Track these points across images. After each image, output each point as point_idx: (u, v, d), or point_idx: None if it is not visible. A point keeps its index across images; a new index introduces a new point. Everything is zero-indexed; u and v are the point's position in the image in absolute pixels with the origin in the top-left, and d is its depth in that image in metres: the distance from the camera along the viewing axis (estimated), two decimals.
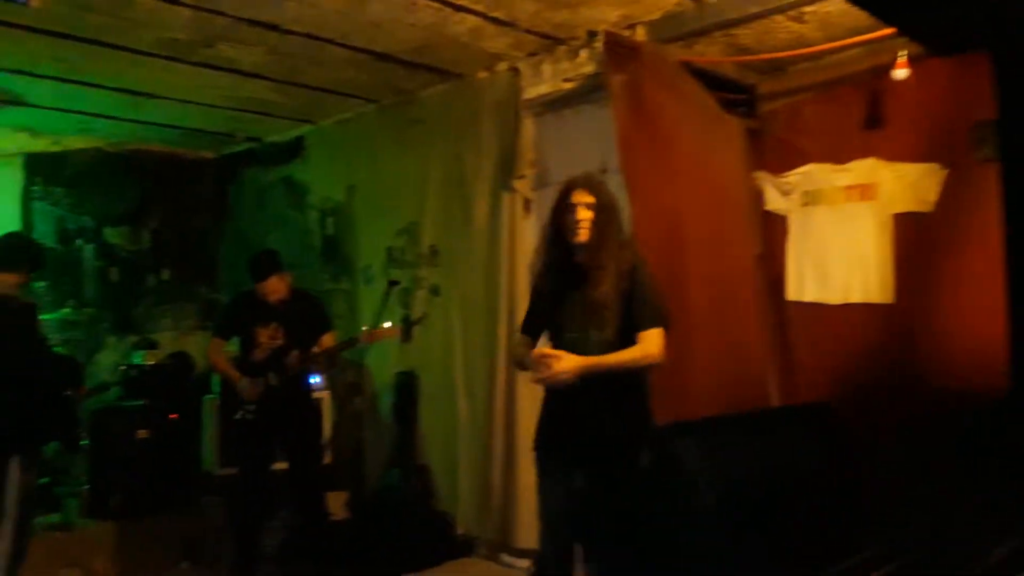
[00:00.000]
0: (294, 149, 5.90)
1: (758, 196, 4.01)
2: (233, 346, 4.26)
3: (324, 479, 4.44)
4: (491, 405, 4.46)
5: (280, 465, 4.20)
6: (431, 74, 4.62)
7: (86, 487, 4.74)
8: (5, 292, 3.59)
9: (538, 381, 2.68)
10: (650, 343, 2.65)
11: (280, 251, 4.34)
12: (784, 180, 3.96)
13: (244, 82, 4.66)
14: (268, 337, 4.13)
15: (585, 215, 2.67)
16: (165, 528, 4.72)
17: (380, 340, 4.08)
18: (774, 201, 4.01)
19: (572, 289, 2.69)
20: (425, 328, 4.64)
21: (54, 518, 4.57)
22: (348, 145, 5.46)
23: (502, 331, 4.42)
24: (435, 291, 4.86)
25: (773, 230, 3.97)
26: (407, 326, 4.34)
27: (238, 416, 4.09)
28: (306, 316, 4.20)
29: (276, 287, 4.11)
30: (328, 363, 4.29)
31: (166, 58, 4.24)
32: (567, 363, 2.57)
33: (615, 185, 3.16)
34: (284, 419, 4.08)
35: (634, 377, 2.67)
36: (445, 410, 4.74)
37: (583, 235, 2.68)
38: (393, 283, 4.33)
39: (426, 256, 4.95)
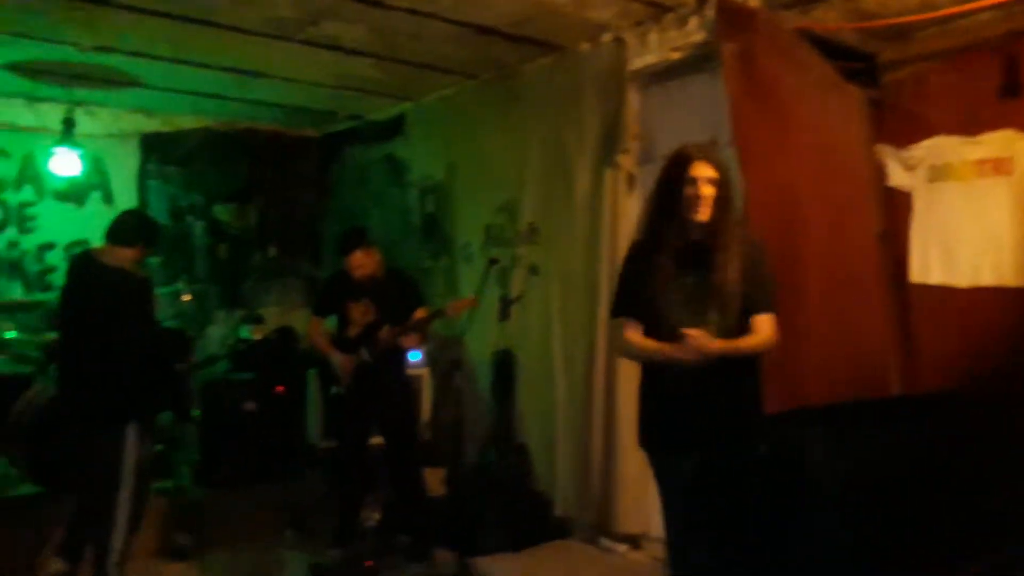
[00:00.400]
0: (395, 127, 5.95)
1: (880, 171, 3.82)
2: (333, 324, 4.33)
3: (421, 455, 4.47)
4: (590, 386, 4.42)
5: (377, 440, 4.24)
6: (532, 47, 4.57)
7: (198, 456, 4.92)
8: (123, 266, 3.69)
9: (674, 360, 2.44)
10: (769, 328, 2.51)
11: (380, 229, 4.46)
12: (908, 154, 3.77)
13: (346, 59, 4.71)
14: (360, 313, 4.16)
15: (708, 191, 2.47)
16: (271, 497, 4.83)
17: (462, 311, 4.09)
18: (897, 176, 3.82)
19: (685, 270, 2.48)
20: (523, 307, 4.65)
21: (168, 484, 4.71)
22: (448, 122, 5.49)
23: (602, 311, 4.36)
24: (534, 270, 4.83)
25: (896, 208, 3.78)
26: (505, 305, 4.33)
27: (333, 392, 4.16)
28: (398, 293, 4.21)
29: (361, 262, 4.12)
30: (419, 337, 4.23)
31: (272, 36, 4.31)
32: (712, 345, 2.38)
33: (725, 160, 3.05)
34: (377, 395, 4.11)
35: (751, 363, 2.52)
36: (543, 389, 4.71)
37: (705, 213, 2.48)
38: (493, 261, 4.28)
39: (525, 234, 4.92)
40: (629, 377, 4.04)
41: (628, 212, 4.34)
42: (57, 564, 3.62)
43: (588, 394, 4.42)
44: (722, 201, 2.49)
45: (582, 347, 4.50)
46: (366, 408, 4.13)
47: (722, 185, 2.50)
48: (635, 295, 2.55)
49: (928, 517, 2.32)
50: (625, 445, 4.25)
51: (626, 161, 4.35)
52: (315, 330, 4.29)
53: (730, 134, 3.29)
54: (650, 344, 2.49)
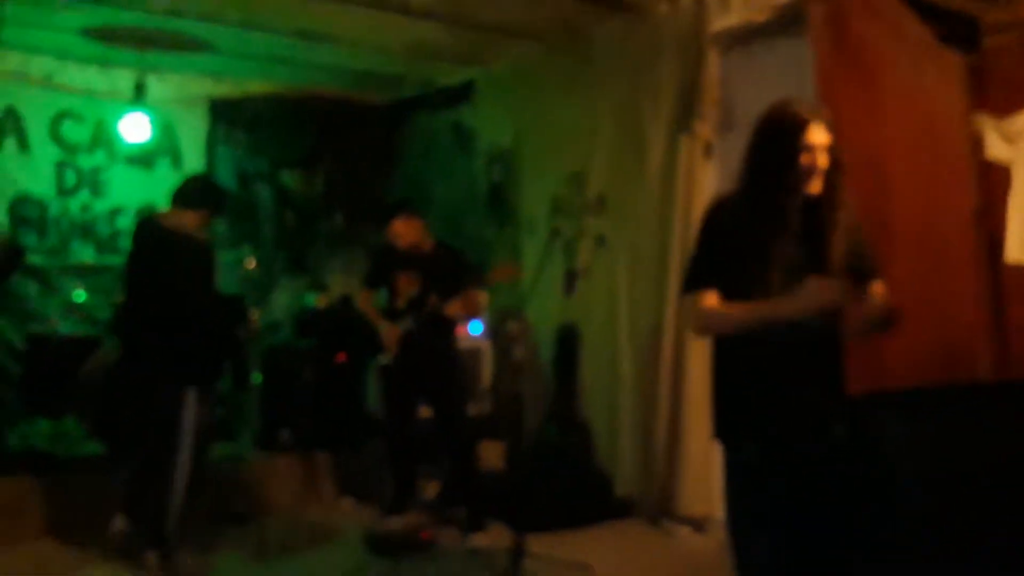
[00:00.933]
0: (463, 93, 5.87)
1: (977, 143, 3.70)
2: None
3: (475, 429, 4.46)
4: (656, 363, 4.38)
5: (426, 412, 4.27)
6: (606, 9, 4.48)
7: (257, 422, 4.97)
8: (188, 231, 3.73)
9: (780, 315, 2.18)
10: (886, 295, 2.27)
11: (444, 199, 4.46)
12: (1009, 125, 3.65)
13: (415, 23, 4.68)
14: (405, 284, 4.17)
15: (824, 161, 2.20)
16: (330, 463, 4.90)
17: (503, 279, 4.09)
18: (996, 148, 3.69)
19: (787, 244, 2.21)
20: (589, 281, 4.65)
21: (227, 449, 4.79)
22: (517, 88, 5.43)
23: (672, 286, 4.30)
24: (601, 242, 4.78)
25: (993, 182, 3.65)
26: (570, 278, 4.36)
27: (381, 362, 4.21)
28: (446, 265, 4.19)
29: (401, 231, 4.10)
30: (467, 307, 4.19)
31: (341, 0, 4.33)
32: (839, 291, 2.10)
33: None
34: (422, 366, 4.12)
35: (839, 340, 2.30)
36: (607, 366, 4.68)
37: (818, 185, 2.21)
38: (556, 232, 4.30)
39: (593, 205, 4.87)
40: (699, 356, 4.07)
41: (704, 183, 4.26)
42: (121, 522, 3.72)
43: (654, 372, 4.38)
44: (834, 172, 2.25)
45: (649, 323, 4.46)
46: (412, 379, 4.15)
47: (833, 151, 2.25)
48: (721, 266, 2.27)
49: (1015, 513, 2.18)
50: (691, 425, 4.23)
51: (703, 129, 4.26)
52: (364, 301, 4.34)
53: (817, 100, 3.17)
54: (747, 307, 2.19)
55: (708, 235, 2.36)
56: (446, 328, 4.18)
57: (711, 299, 2.27)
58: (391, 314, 4.19)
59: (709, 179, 4.24)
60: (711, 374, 2.33)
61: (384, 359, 4.16)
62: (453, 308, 4.07)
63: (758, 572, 2.20)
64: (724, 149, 4.18)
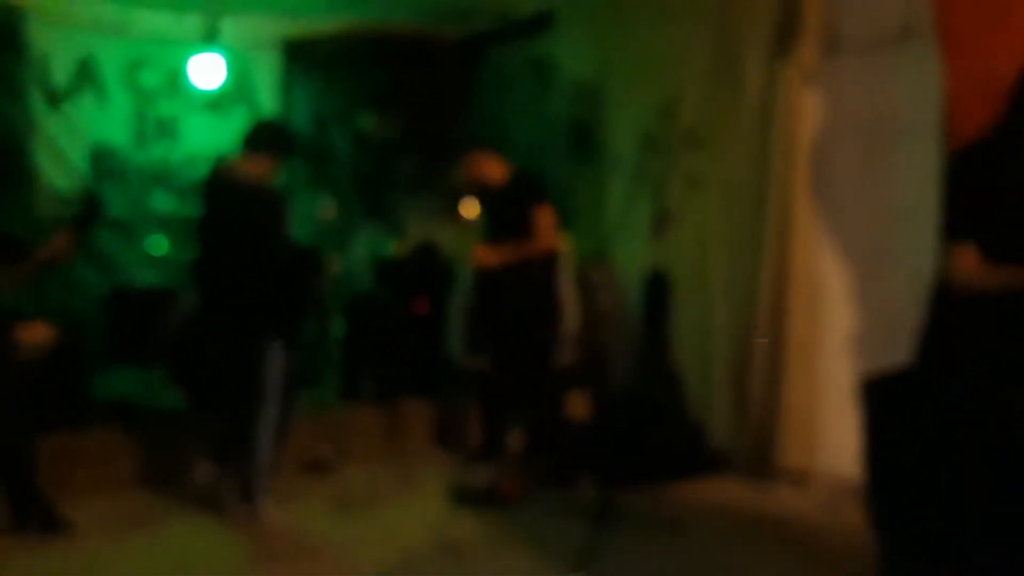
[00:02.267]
0: (543, 23, 5.76)
1: None
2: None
3: (563, 377, 4.47)
4: (753, 311, 4.32)
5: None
6: None
7: (341, 371, 5.05)
8: (257, 180, 3.76)
9: None
10: None
11: (523, 138, 4.50)
12: None
13: None
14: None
15: None
16: (415, 413, 4.95)
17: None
18: None
19: None
20: (679, 223, 4.62)
21: (312, 398, 4.85)
22: (602, 15, 5.30)
23: (771, 228, 4.25)
24: (692, 181, 4.68)
25: None
26: (659, 221, 4.36)
27: (470, 301, 4.34)
28: (517, 195, 4.21)
29: (478, 165, 4.19)
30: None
31: None
32: None
33: (919, 55, 2.64)
34: (505, 308, 4.17)
35: None
36: (699, 315, 4.64)
37: None
38: (643, 171, 4.31)
39: (684, 140, 4.74)
40: (800, 303, 4.15)
41: (806, 114, 4.16)
42: (205, 472, 3.88)
43: (751, 321, 4.32)
44: None
45: (746, 268, 4.40)
46: (497, 323, 4.22)
47: None
48: (981, 217, 2.20)
49: None
50: (792, 376, 4.19)
51: (807, 54, 4.13)
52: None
53: (931, 18, 3.03)
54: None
55: (965, 182, 2.27)
56: (534, 270, 4.18)
57: (970, 254, 2.19)
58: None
59: (812, 110, 4.13)
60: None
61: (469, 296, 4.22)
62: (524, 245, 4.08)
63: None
64: (829, 76, 4.10)
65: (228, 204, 3.71)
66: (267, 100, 5.92)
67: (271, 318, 3.65)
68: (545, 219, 4.11)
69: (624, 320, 5.05)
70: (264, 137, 3.83)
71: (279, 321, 3.70)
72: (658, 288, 4.81)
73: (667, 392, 4.66)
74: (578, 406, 4.67)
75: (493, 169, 4.22)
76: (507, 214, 4.17)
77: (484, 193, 4.22)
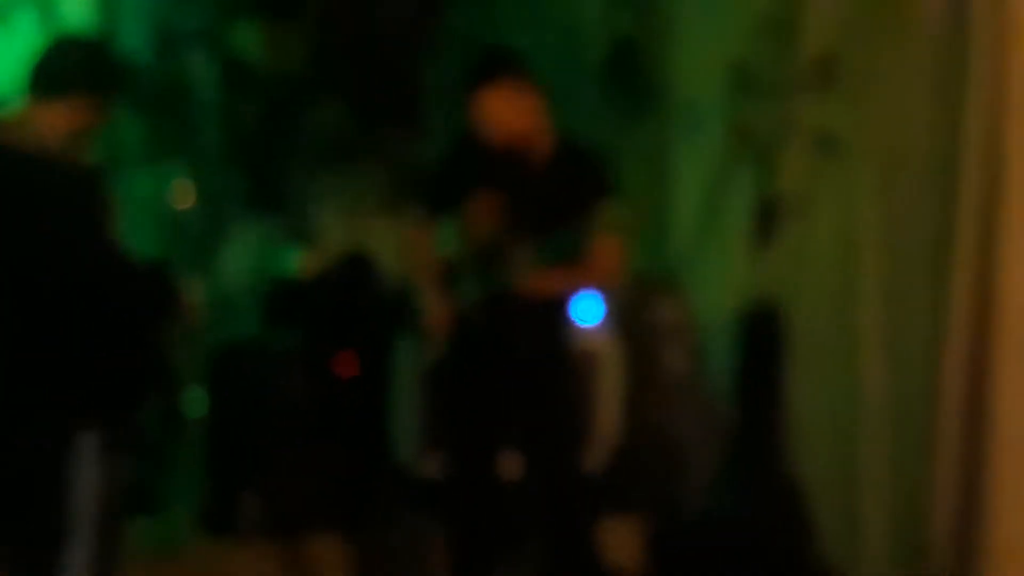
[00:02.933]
0: None
1: None
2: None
3: (594, 495, 4.39)
4: (937, 374, 4.24)
5: (511, 462, 4.22)
6: None
7: (202, 482, 4.98)
8: (54, 142, 3.49)
9: None
10: None
11: (531, 68, 4.17)
12: None
13: None
14: (483, 215, 4.04)
15: None
16: (332, 555, 4.78)
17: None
18: None
19: None
20: (802, 220, 4.57)
21: (151, 531, 4.66)
22: None
23: (966, 230, 4.12)
24: (826, 143, 4.55)
25: None
26: (766, 214, 4.43)
27: (428, 361, 4.31)
28: (568, 183, 4.03)
29: (502, 110, 3.90)
30: (598, 277, 4.16)
31: None
32: None
33: None
34: (506, 379, 4.04)
35: None
36: (837, 375, 4.59)
37: None
38: (737, 129, 4.45)
39: (809, 77, 4.61)
40: (1017, 352, 4.03)
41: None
42: None
43: (930, 387, 4.27)
44: None
45: (921, 298, 4.35)
46: (488, 402, 4.08)
47: None
48: None
49: None
50: (1006, 484, 4.03)
51: None
52: (420, 243, 4.22)
53: None
54: None
55: None
56: (552, 311, 4.07)
57: None
58: (455, 273, 4.15)
59: None
60: None
61: (432, 356, 4.21)
62: (570, 281, 4.01)
63: None
64: None
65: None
66: (74, 5, 5.45)
67: (80, 393, 3.44)
68: (611, 234, 4.01)
69: (703, 390, 5.05)
70: (67, 69, 3.57)
71: (95, 397, 3.47)
72: (763, 334, 4.75)
73: (779, 516, 4.59)
74: (622, 544, 4.55)
75: (532, 120, 4.00)
76: (546, 212, 3.98)
77: (505, 165, 4.01)
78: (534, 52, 5.28)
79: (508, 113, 3.93)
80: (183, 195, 5.03)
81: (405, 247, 4.39)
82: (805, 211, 4.54)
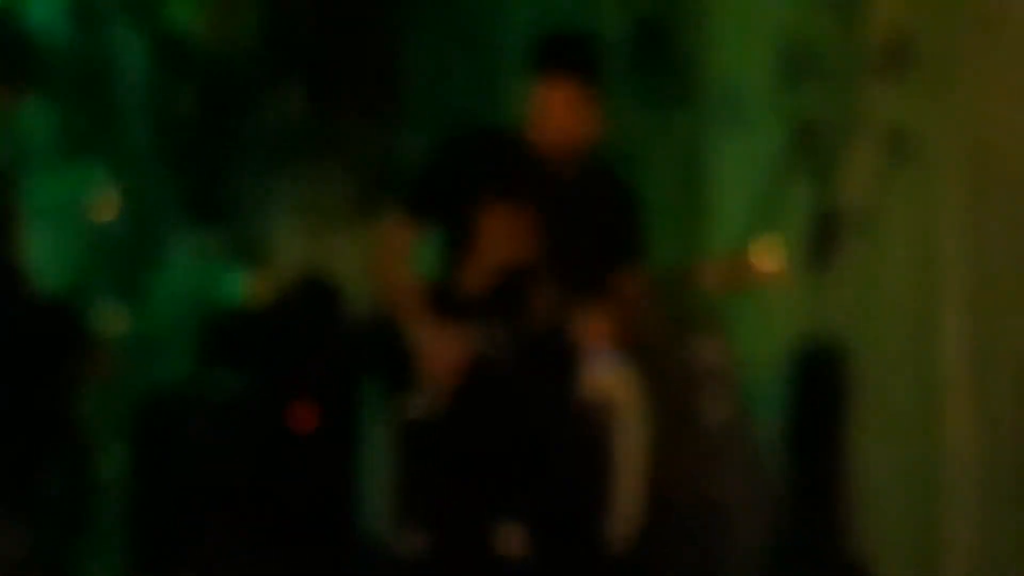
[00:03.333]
0: None
1: None
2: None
3: None
4: None
5: (514, 538, 4.00)
6: None
7: (123, 555, 5.03)
8: None
9: None
10: None
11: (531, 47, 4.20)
12: None
13: None
14: (503, 238, 4.00)
15: None
16: None
17: (736, 282, 4.09)
18: None
19: None
20: (870, 236, 4.68)
21: None
22: None
23: None
24: (899, 143, 4.63)
25: None
26: (824, 233, 4.58)
27: (412, 415, 4.09)
28: (595, 214, 4.05)
29: (563, 112, 3.90)
30: (622, 323, 4.09)
31: None
32: None
33: None
34: (512, 439, 3.99)
35: None
36: (913, 430, 4.69)
37: None
38: (791, 126, 4.57)
39: (878, 62, 4.72)
40: None
41: None
42: None
43: None
44: None
45: (1019, 334, 4.47)
46: (488, 466, 4.00)
47: None
48: None
49: None
50: None
51: None
52: (392, 257, 4.13)
53: None
54: None
55: None
56: (566, 360, 4.03)
57: None
58: (449, 303, 4.05)
59: None
60: None
61: (420, 408, 4.01)
62: (597, 328, 3.97)
63: None
64: None
65: None
66: None
67: None
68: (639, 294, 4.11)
69: (749, 447, 5.08)
70: None
71: None
72: (822, 378, 4.86)
73: None
74: None
75: (594, 132, 4.00)
76: (573, 238, 3.97)
77: (535, 175, 3.99)
78: (541, 28, 5.31)
79: (569, 114, 3.95)
80: (104, 203, 5.05)
81: (377, 263, 4.32)
82: (873, 227, 4.61)
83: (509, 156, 4.00)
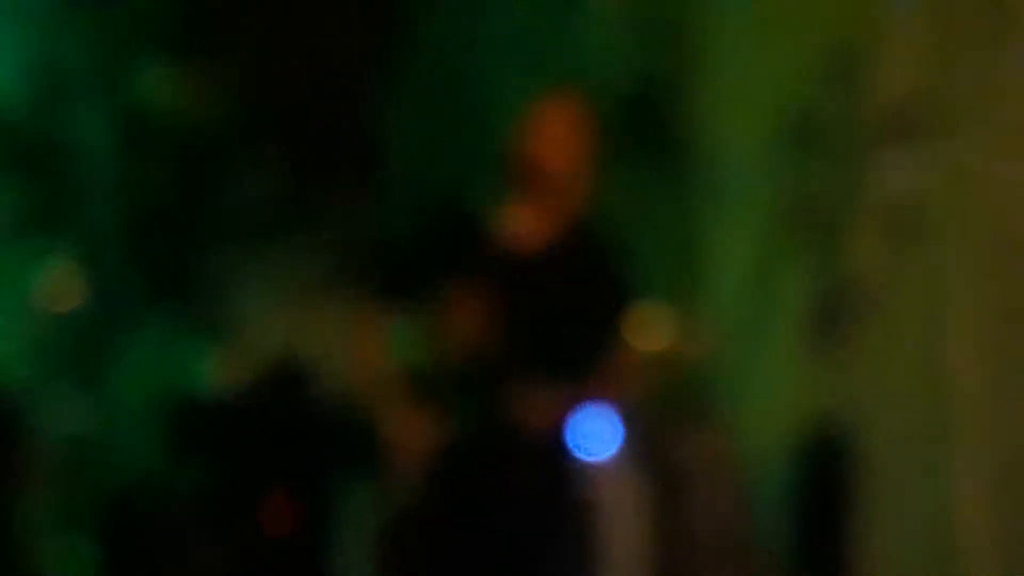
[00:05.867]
0: None
1: None
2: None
3: None
4: None
5: None
6: None
7: None
8: None
9: None
10: None
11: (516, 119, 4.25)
12: None
13: None
14: (464, 323, 4.06)
15: None
16: None
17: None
18: None
19: None
20: (878, 313, 4.54)
21: None
22: None
23: None
24: (907, 215, 4.50)
25: None
26: (829, 309, 4.55)
27: (393, 511, 4.25)
28: (575, 292, 4.07)
29: (565, 133, 3.97)
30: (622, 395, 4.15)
31: None
32: None
33: None
34: (497, 537, 4.00)
35: None
36: (930, 524, 4.52)
37: None
38: (796, 195, 4.63)
39: (884, 129, 4.59)
40: None
41: None
42: None
43: None
44: None
45: None
46: (471, 564, 4.02)
47: None
48: None
49: None
50: None
51: None
52: (367, 345, 4.15)
53: None
54: None
55: None
56: (556, 447, 4.03)
57: None
58: (422, 389, 4.09)
59: None
60: None
61: (389, 497, 4.22)
62: (573, 402, 4.03)
63: None
64: None
65: None
66: None
67: None
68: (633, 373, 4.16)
69: (752, 543, 5.06)
70: None
71: None
72: (829, 467, 4.79)
73: None
74: None
75: (586, 164, 4.07)
76: (550, 316, 4.01)
77: (497, 253, 4.06)
78: (528, 94, 5.29)
79: (573, 135, 3.96)
80: (62, 282, 5.02)
81: (352, 350, 4.31)
82: (881, 304, 4.55)
83: (474, 240, 4.00)
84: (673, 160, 5.53)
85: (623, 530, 4.47)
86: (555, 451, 4.04)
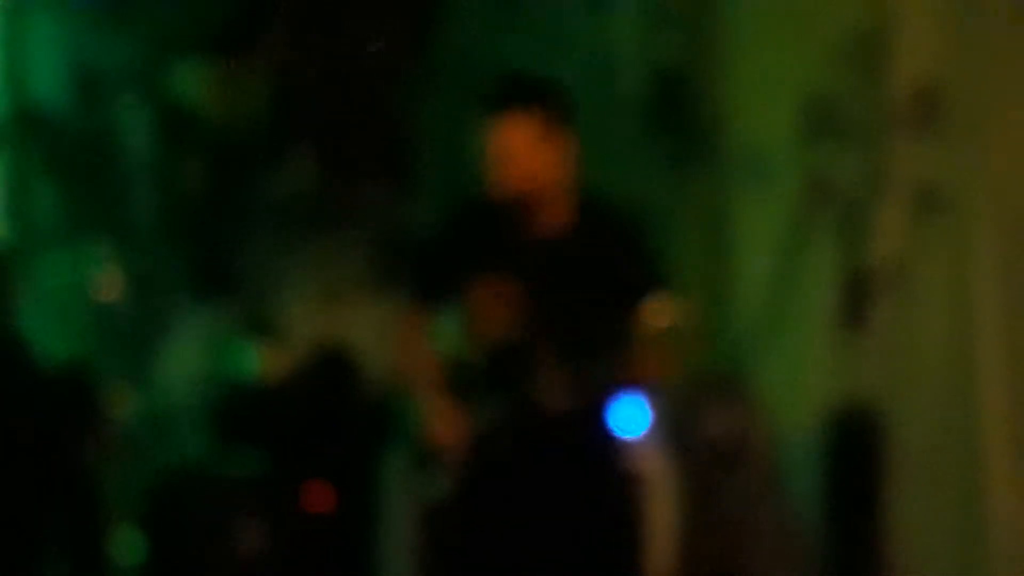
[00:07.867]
0: None
1: None
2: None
3: None
4: None
5: None
6: None
7: None
8: None
9: None
10: None
11: None
12: None
13: None
14: (498, 309, 3.95)
15: None
16: None
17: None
18: None
19: None
20: (903, 295, 4.67)
21: None
22: None
23: None
24: (929, 199, 4.67)
25: None
26: (854, 291, 4.58)
27: (430, 491, 4.10)
28: (602, 263, 3.95)
29: (518, 151, 3.79)
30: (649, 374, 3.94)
31: None
32: None
33: None
34: (536, 516, 3.86)
35: None
36: (957, 499, 4.67)
37: None
38: (815, 184, 4.60)
39: (905, 116, 4.74)
40: None
41: None
42: None
43: None
44: None
45: None
46: (511, 545, 3.88)
47: None
48: None
49: None
50: None
51: None
52: (412, 341, 4.08)
53: None
54: None
55: None
56: (589, 429, 3.91)
57: None
58: (462, 375, 4.00)
59: None
60: None
61: (436, 484, 4.01)
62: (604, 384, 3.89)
63: None
64: None
65: None
66: None
67: None
68: (657, 320, 3.91)
69: (782, 520, 5.03)
70: None
71: None
72: (857, 446, 4.81)
73: None
74: None
75: (559, 171, 3.90)
76: (571, 296, 3.89)
77: (518, 240, 3.94)
78: (568, 90, 5.61)
79: (529, 153, 3.80)
80: (110, 281, 5.03)
81: (396, 341, 4.26)
82: (905, 286, 4.63)
83: (494, 228, 3.95)
84: (700, 145, 5.49)
85: (659, 508, 4.45)
86: (590, 432, 3.94)
